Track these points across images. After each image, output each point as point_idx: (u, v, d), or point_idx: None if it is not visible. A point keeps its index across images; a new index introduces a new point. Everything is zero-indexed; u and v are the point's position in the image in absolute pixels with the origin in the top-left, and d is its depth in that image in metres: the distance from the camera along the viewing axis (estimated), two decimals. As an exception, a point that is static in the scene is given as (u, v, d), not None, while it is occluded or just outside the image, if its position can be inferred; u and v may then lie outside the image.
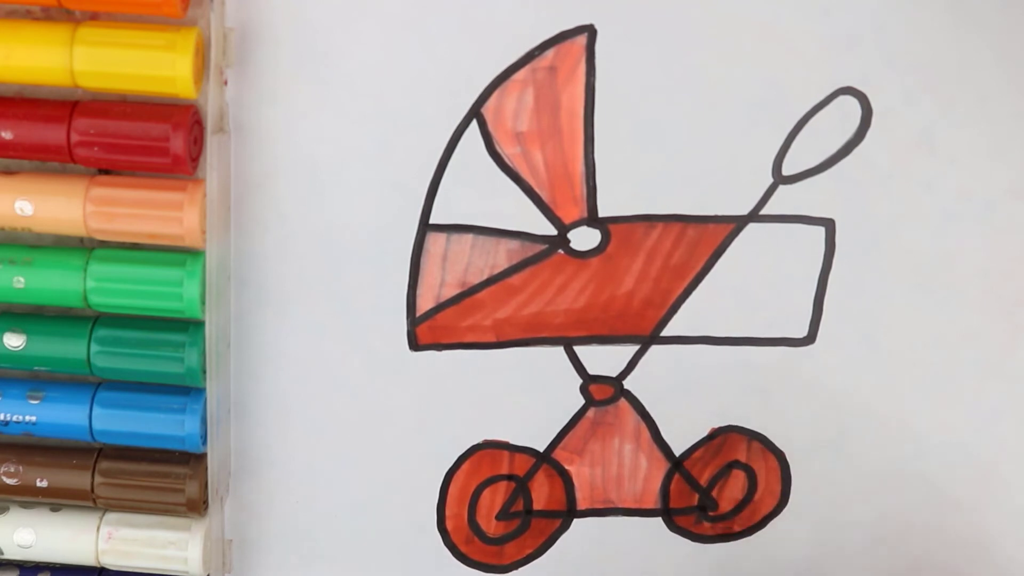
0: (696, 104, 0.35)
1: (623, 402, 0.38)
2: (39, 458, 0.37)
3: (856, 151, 0.35)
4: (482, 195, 0.35)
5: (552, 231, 0.36)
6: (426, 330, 0.37)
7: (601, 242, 0.36)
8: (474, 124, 0.35)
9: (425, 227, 0.36)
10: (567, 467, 0.39)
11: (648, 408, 0.38)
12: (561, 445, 0.38)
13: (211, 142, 0.34)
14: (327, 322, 0.37)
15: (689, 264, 0.36)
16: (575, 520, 0.39)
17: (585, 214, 0.36)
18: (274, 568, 0.39)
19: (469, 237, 0.36)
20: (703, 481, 0.39)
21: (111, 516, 0.37)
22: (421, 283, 0.36)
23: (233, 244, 0.36)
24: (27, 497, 0.37)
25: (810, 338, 0.37)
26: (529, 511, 0.39)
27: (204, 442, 0.36)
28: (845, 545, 0.39)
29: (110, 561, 0.37)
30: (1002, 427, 0.38)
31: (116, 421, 0.36)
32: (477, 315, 0.37)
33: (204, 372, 0.36)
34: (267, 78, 0.34)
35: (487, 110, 0.34)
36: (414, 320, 0.37)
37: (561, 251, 0.36)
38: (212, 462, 0.36)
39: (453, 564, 0.39)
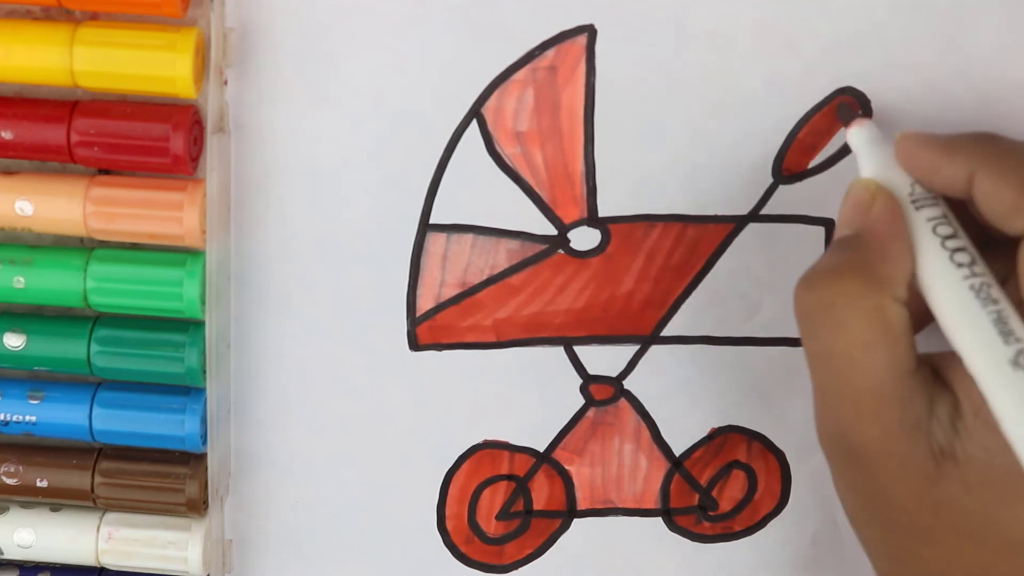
0: (696, 104, 0.35)
1: (623, 402, 0.38)
2: (39, 458, 0.37)
3: (856, 151, 0.35)
4: (482, 195, 0.35)
5: (552, 231, 0.36)
6: (426, 330, 0.37)
7: (601, 242, 0.36)
8: (474, 124, 0.35)
9: (425, 227, 0.36)
10: (567, 467, 0.39)
11: (648, 408, 0.38)
12: (561, 445, 0.38)
13: (211, 142, 0.34)
14: (327, 322, 0.37)
15: (689, 264, 0.36)
16: (575, 520, 0.39)
17: (585, 214, 0.36)
18: (274, 568, 0.39)
19: (469, 237, 0.36)
20: (703, 481, 0.39)
21: (111, 516, 0.37)
22: (421, 283, 0.36)
23: (233, 244, 0.36)
24: (27, 497, 0.37)
25: (810, 338, 0.37)
26: (529, 511, 0.39)
27: (204, 442, 0.36)
28: (845, 545, 0.39)
29: (110, 561, 0.37)
30: (1002, 427, 0.38)
31: (116, 421, 0.36)
32: (477, 315, 0.37)
33: (204, 372, 0.36)
34: (267, 78, 0.34)
35: (487, 110, 0.34)
36: (414, 320, 0.37)
37: (561, 251, 0.36)
38: (212, 462, 0.36)
39: (453, 564, 0.39)
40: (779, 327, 0.37)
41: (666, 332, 0.37)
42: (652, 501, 0.39)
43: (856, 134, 0.33)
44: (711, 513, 0.39)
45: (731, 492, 0.39)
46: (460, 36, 0.34)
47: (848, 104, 0.34)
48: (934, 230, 0.29)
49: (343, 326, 0.37)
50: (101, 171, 0.35)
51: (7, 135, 0.33)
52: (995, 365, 0.26)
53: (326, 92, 0.34)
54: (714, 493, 0.39)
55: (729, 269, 0.36)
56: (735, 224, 0.36)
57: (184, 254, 0.35)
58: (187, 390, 0.36)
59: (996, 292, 0.28)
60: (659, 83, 0.34)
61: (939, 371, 0.30)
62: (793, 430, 0.38)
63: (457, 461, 0.38)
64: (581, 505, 0.39)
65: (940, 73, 0.34)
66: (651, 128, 0.35)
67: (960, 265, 0.28)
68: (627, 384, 0.38)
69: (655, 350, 0.37)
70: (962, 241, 0.29)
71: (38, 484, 0.36)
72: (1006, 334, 0.27)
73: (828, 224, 0.36)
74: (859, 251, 0.30)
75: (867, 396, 0.29)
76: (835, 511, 0.39)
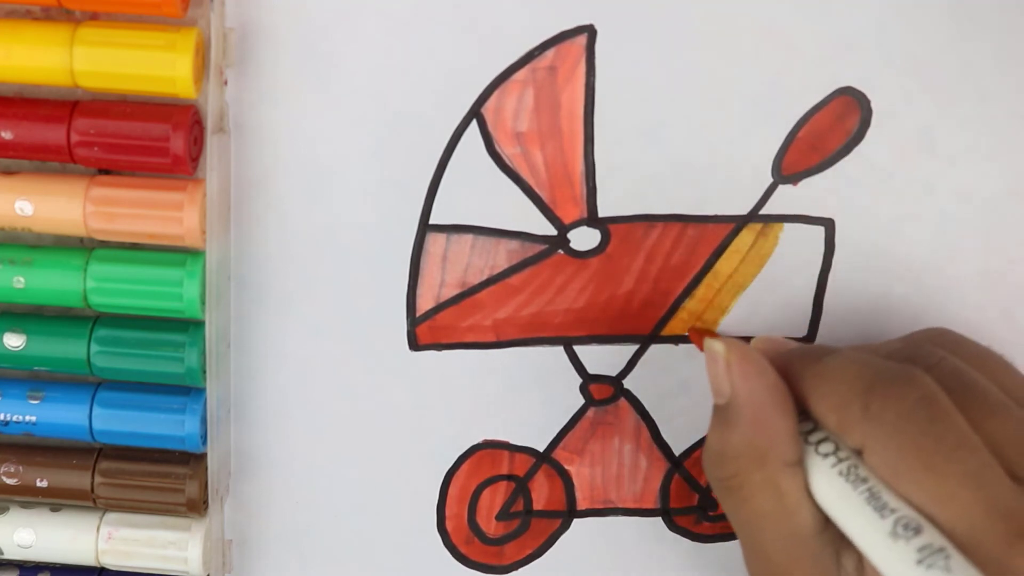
0: (696, 104, 0.35)
1: (623, 402, 0.38)
2: (39, 458, 0.37)
3: (856, 151, 0.35)
4: (482, 195, 0.35)
5: (552, 231, 0.36)
6: (426, 330, 0.37)
7: (601, 242, 0.36)
8: (474, 124, 0.35)
9: (425, 227, 0.36)
10: (567, 467, 0.39)
11: (648, 408, 0.38)
12: (561, 445, 0.38)
13: (211, 142, 0.34)
14: (327, 322, 0.37)
15: (689, 264, 0.36)
16: (575, 520, 0.39)
17: (585, 214, 0.36)
18: (274, 568, 0.39)
19: (469, 237, 0.36)
20: (703, 481, 0.39)
21: (111, 516, 0.37)
22: (421, 283, 0.36)
23: (233, 244, 0.36)
24: (27, 497, 0.37)
25: (810, 338, 0.37)
26: (529, 511, 0.39)
27: (204, 442, 0.36)
28: (845, 545, 0.39)
29: (110, 561, 0.37)
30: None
31: (116, 421, 0.36)
32: (477, 315, 0.37)
33: (204, 372, 0.36)
34: (267, 78, 0.34)
35: (487, 110, 0.34)
36: (414, 320, 0.37)
37: (561, 251, 0.36)
38: (212, 462, 0.36)
39: (453, 565, 0.39)
40: (779, 327, 0.37)
41: (666, 332, 0.37)
42: (652, 501, 0.39)
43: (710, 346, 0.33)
44: (711, 513, 0.39)
45: (731, 492, 0.39)
46: (460, 36, 0.34)
47: (699, 328, 0.36)
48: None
49: (343, 326, 0.37)
50: (101, 171, 0.35)
51: (7, 135, 0.33)
52: (878, 539, 0.27)
53: (326, 92, 0.34)
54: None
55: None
56: (735, 224, 0.36)
57: (184, 254, 0.35)
58: (187, 390, 0.36)
59: (863, 471, 0.28)
60: (659, 83, 0.34)
61: None
62: (793, 430, 0.38)
63: (457, 461, 0.38)
64: (581, 505, 0.39)
65: (940, 73, 0.34)
66: (651, 128, 0.35)
67: (825, 455, 0.29)
68: (627, 384, 0.38)
69: (655, 350, 0.37)
70: (823, 432, 0.30)
71: (38, 484, 0.36)
72: (880, 508, 0.28)
73: (828, 224, 0.36)
74: (737, 426, 0.30)
75: (776, 557, 0.30)
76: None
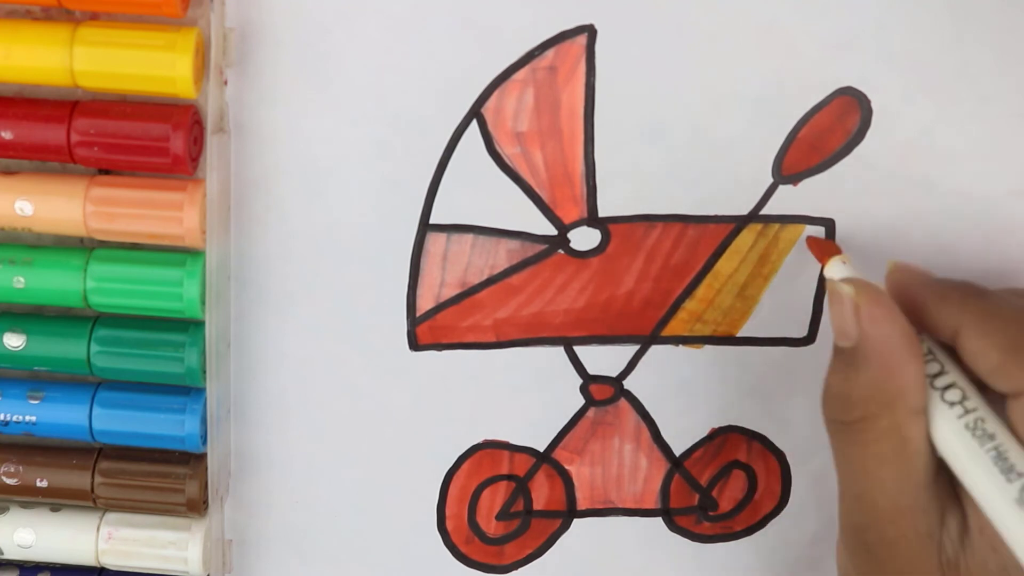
0: (696, 104, 0.35)
1: (623, 402, 0.38)
2: (39, 458, 0.37)
3: (856, 151, 0.35)
4: (482, 195, 0.35)
5: (552, 231, 0.36)
6: (426, 330, 0.37)
7: (601, 242, 0.36)
8: (474, 124, 0.35)
9: (425, 227, 0.36)
10: (567, 467, 0.39)
11: (648, 408, 0.38)
12: (561, 445, 0.38)
13: (211, 142, 0.34)
14: (327, 322, 0.37)
15: (689, 264, 0.36)
16: (575, 520, 0.39)
17: (585, 214, 0.36)
18: (274, 568, 0.39)
19: (469, 237, 0.36)
20: (703, 481, 0.39)
21: (111, 516, 0.37)
22: (421, 283, 0.36)
23: (233, 244, 0.36)
24: (27, 497, 0.37)
25: (810, 338, 0.37)
26: (529, 511, 0.39)
27: (204, 442, 0.36)
28: (845, 545, 0.39)
29: (110, 561, 0.37)
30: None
31: (116, 421, 0.36)
32: (477, 315, 0.37)
33: (204, 372, 0.36)
34: (267, 78, 0.34)
35: (487, 110, 0.34)
36: (414, 320, 0.37)
37: (561, 251, 0.36)
38: (212, 462, 0.36)
39: (453, 564, 0.39)
40: (779, 327, 0.37)
41: (666, 332, 0.37)
42: (652, 501, 0.39)
43: (834, 270, 0.32)
44: (711, 513, 0.39)
45: (731, 492, 0.39)
46: (460, 36, 0.34)
47: (818, 238, 0.34)
48: None
49: (343, 326, 0.37)
50: (101, 171, 0.35)
51: (7, 135, 0.33)
52: (1002, 504, 0.27)
53: (326, 92, 0.34)
54: (714, 493, 0.39)
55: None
56: (735, 224, 0.36)
57: (184, 254, 0.35)
58: (187, 390, 0.36)
59: (992, 425, 0.28)
60: (659, 83, 0.34)
61: (954, 483, 0.29)
62: (793, 430, 0.38)
63: (457, 461, 0.38)
64: (581, 505, 0.39)
65: (940, 73, 0.34)
66: (651, 128, 0.35)
67: (952, 404, 0.28)
68: (627, 384, 0.38)
69: (655, 350, 0.37)
70: (951, 376, 0.29)
71: (38, 484, 0.36)
72: (1007, 471, 0.27)
73: (828, 224, 0.36)
74: (865, 370, 0.29)
75: (884, 504, 0.29)
76: (835, 511, 0.39)
